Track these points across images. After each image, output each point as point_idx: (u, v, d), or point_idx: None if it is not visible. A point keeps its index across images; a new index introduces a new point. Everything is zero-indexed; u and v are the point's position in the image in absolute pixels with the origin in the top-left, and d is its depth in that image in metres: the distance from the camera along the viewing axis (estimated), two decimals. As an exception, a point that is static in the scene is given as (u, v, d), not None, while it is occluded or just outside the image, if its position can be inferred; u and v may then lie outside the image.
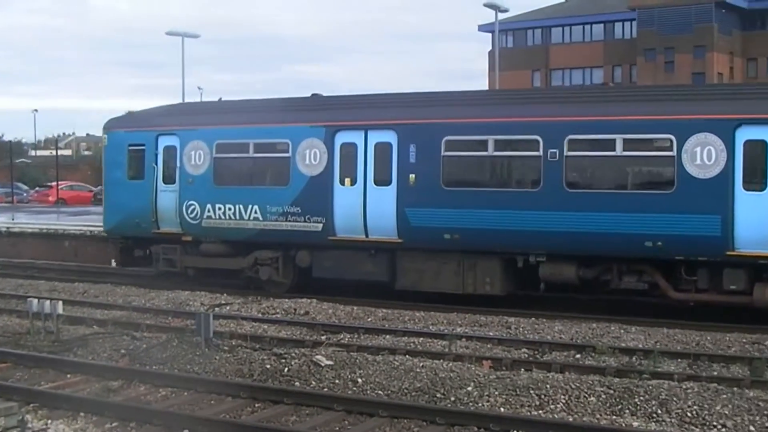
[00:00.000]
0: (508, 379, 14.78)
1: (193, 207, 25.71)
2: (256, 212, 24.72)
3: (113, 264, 30.32)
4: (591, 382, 14.50)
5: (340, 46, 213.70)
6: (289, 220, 24.24)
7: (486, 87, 72.07)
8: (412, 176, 22.84)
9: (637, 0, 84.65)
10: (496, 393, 14.05)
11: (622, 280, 21.48)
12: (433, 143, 22.60)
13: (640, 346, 18.15)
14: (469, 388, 14.30)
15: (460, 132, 22.60)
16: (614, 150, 20.94)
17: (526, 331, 19.84)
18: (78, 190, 69.12)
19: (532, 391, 14.04)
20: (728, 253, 19.94)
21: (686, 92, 23.18)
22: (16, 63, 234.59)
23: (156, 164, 26.49)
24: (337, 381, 15.08)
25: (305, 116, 24.71)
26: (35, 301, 19.24)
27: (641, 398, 13.68)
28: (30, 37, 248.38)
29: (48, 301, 19.27)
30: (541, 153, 21.39)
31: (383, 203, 23.20)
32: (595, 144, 21.34)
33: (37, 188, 71.43)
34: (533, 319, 20.87)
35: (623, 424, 12.92)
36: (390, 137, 23.25)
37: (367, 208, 23.46)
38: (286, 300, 23.53)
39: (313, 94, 27.53)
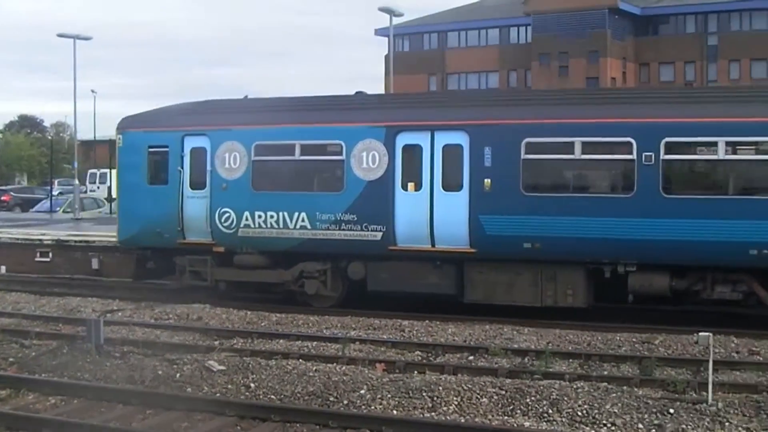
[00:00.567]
0: (401, 381, 14.84)
1: (227, 215, 23.42)
2: (303, 220, 22.65)
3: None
4: (483, 384, 14.66)
5: (241, 49, 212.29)
6: (343, 229, 22.25)
7: (382, 91, 72.41)
8: (487, 181, 21.17)
9: (533, 5, 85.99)
10: (389, 396, 14.13)
11: (715, 290, 20.22)
12: (512, 145, 20.98)
13: (533, 347, 18.30)
14: (362, 392, 14.36)
15: (542, 133, 21.02)
16: (716, 154, 19.71)
17: (419, 334, 19.88)
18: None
19: (424, 393, 14.12)
20: None
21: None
22: None
23: (182, 168, 24.10)
24: (229, 386, 15.04)
25: (363, 115, 22.94)
26: None
27: (533, 398, 13.88)
28: None
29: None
30: (634, 156, 20.05)
31: (453, 210, 21.50)
32: (695, 147, 20.20)
33: None
34: (427, 321, 20.88)
35: (514, 425, 13.08)
36: (461, 139, 21.57)
37: (434, 215, 21.74)
38: (180, 305, 23.30)
39: (357, 92, 26.28)
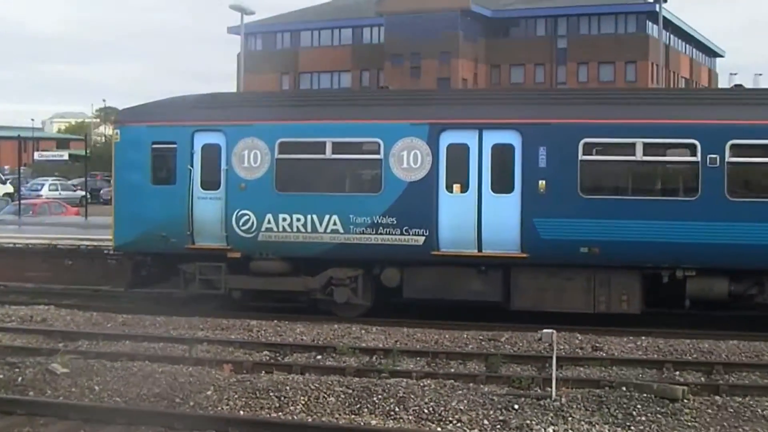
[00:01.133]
0: (248, 382, 14.80)
1: (246, 217, 21.87)
2: (335, 224, 21.35)
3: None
4: (331, 383, 14.74)
5: (97, 47, 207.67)
6: (380, 233, 21.09)
7: (234, 89, 72.01)
8: (542, 182, 20.44)
9: (385, 6, 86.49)
10: (236, 396, 14.11)
11: None
12: (569, 146, 20.38)
13: (381, 345, 18.45)
14: (209, 392, 14.30)
15: (601, 133, 20.48)
16: None
17: (267, 334, 19.81)
18: None
19: (272, 393, 14.17)
20: None
21: None
22: None
23: (192, 166, 22.45)
24: (73, 389, 14.79)
25: (403, 112, 21.79)
26: None
27: (380, 397, 14.02)
28: None
29: None
30: (698, 158, 19.71)
31: (504, 213, 20.69)
32: (761, 149, 19.83)
33: None
34: (275, 321, 20.81)
35: (361, 423, 13.19)
36: (512, 138, 20.80)
37: (482, 218, 20.84)
38: (23, 307, 22.59)
39: (381, 87, 25.14)
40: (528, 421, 13.01)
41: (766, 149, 19.85)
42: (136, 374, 15.32)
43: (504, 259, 20.87)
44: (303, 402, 13.94)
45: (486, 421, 13.14)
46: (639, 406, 13.68)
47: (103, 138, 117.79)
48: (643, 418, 13.25)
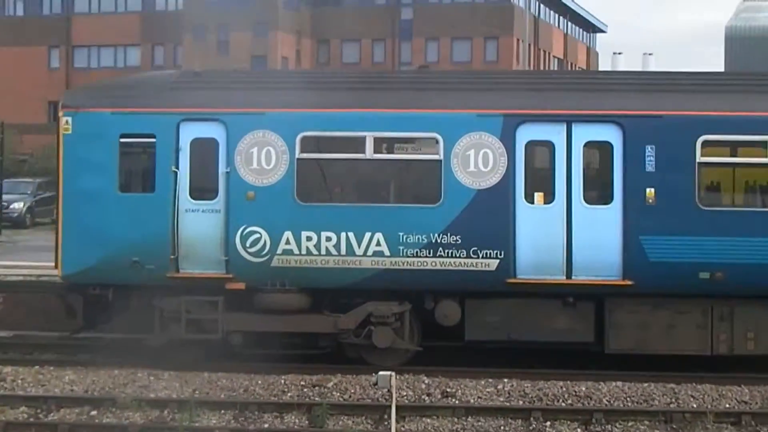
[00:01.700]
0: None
1: (255, 236, 20.29)
2: (378, 244, 20.13)
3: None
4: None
5: None
6: (440, 255, 19.97)
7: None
8: (650, 191, 19.85)
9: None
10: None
11: None
12: (683, 145, 19.85)
13: (174, 395, 18.21)
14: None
15: (725, 129, 20.03)
16: None
17: (26, 384, 19.13)
18: None
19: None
20: None
21: None
22: None
23: (177, 168, 20.60)
24: None
25: (469, 99, 20.66)
26: None
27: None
28: None
29: None
30: None
31: (600, 229, 20.03)
32: None
33: None
34: (37, 367, 20.23)
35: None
36: (610, 134, 20.14)
37: (573, 236, 20.11)
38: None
39: (421, 67, 23.47)
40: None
41: None
42: None
43: (600, 288, 20.10)
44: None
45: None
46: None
47: None
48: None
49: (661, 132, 19.87)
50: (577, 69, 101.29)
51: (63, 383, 19.40)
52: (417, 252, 19.94)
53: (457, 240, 19.90)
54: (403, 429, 15.42)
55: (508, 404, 17.82)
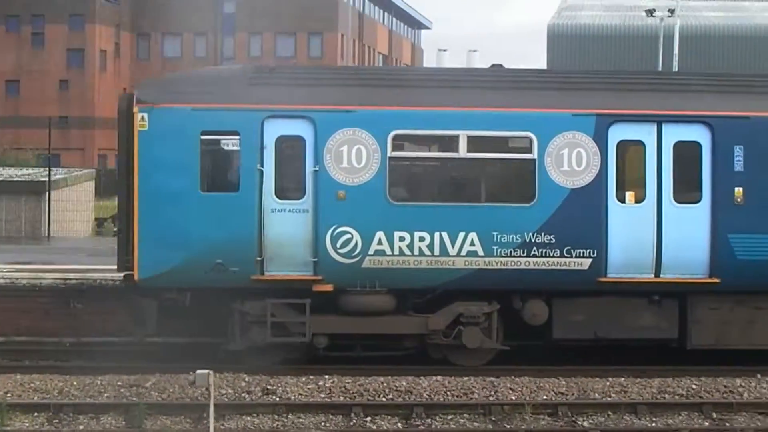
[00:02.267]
0: None
1: (346, 237, 20.00)
2: (472, 244, 20.07)
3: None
4: None
5: None
6: (533, 255, 20.14)
7: None
8: (738, 190, 20.45)
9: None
10: None
11: None
12: None
13: (-14, 399, 17.43)
14: None
15: None
16: None
17: None
18: None
19: None
20: None
21: None
22: None
23: (262, 166, 20.07)
24: None
25: (563, 99, 20.84)
26: None
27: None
28: None
29: None
30: None
31: (689, 228, 20.50)
32: None
33: None
34: None
35: None
36: (699, 134, 20.64)
37: (663, 235, 20.49)
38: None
39: (493, 65, 22.95)
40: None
41: None
42: None
43: (688, 286, 20.63)
44: None
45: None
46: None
47: None
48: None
49: (750, 132, 20.48)
50: (402, 65, 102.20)
51: None
52: (511, 252, 20.07)
53: (551, 239, 20.14)
54: (222, 428, 15.44)
55: (328, 400, 17.91)
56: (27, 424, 16.60)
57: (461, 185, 20.88)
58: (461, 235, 19.98)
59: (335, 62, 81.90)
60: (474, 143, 20.33)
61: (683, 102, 20.81)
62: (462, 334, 20.28)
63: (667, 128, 20.61)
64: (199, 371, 14.30)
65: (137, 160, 19.90)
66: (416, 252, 20.00)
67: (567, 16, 72.55)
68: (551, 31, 69.62)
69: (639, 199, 20.53)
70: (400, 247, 20.00)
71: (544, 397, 18.19)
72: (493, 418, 17.22)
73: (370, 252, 19.93)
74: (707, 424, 17.14)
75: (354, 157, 20.02)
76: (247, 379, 18.83)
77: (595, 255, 20.17)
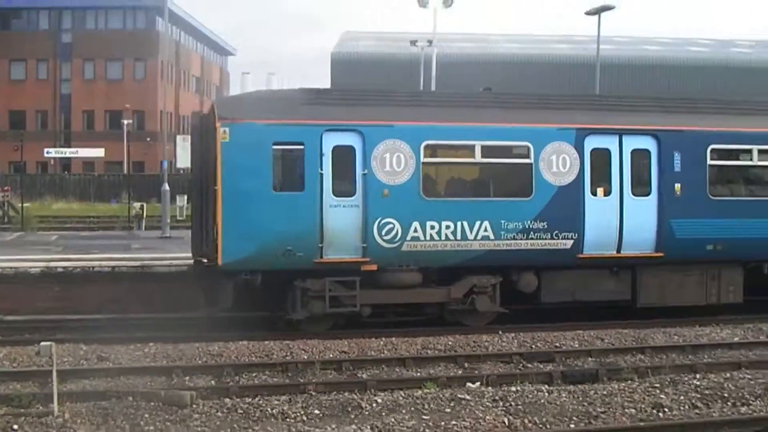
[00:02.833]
0: None
1: (390, 226, 20.69)
2: (485, 230, 21.21)
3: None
4: None
5: None
6: (531, 238, 21.42)
7: None
8: (677, 186, 22.37)
9: None
10: None
11: None
12: (699, 151, 22.50)
13: None
14: None
15: (725, 140, 22.86)
16: None
17: None
18: None
19: None
20: None
21: None
22: None
23: (322, 170, 20.40)
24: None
25: (552, 116, 22.12)
26: None
27: None
28: None
29: None
30: None
31: (642, 215, 22.26)
32: None
33: None
34: None
35: None
36: (649, 144, 22.39)
37: (624, 221, 22.14)
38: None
39: (485, 89, 24.35)
40: (32, 439, 12.65)
41: None
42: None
43: (641, 259, 22.41)
44: None
45: None
46: (147, 416, 13.77)
47: None
48: (152, 428, 13.34)
49: (683, 142, 22.43)
50: (213, 85, 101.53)
51: None
52: (514, 236, 21.32)
53: (544, 225, 21.48)
54: (64, 390, 15.06)
55: (153, 364, 17.69)
56: None
57: (478, 184, 22.11)
58: (477, 223, 21.17)
59: (155, 84, 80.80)
60: (486, 151, 21.54)
61: (638, 119, 22.58)
62: (475, 300, 21.69)
63: (626, 139, 22.30)
64: (43, 344, 13.98)
65: (220, 167, 20.26)
66: (443, 237, 21.04)
67: (347, 46, 72.98)
68: (334, 57, 70.09)
69: (607, 193, 22.17)
70: (431, 234, 20.98)
71: (331, 356, 18.24)
72: (290, 374, 17.18)
73: (408, 238, 20.83)
74: (461, 372, 17.54)
75: (394, 162, 20.92)
76: (84, 348, 18.43)
77: (576, 237, 21.72)
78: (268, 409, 14.05)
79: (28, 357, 17.73)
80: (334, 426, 13.34)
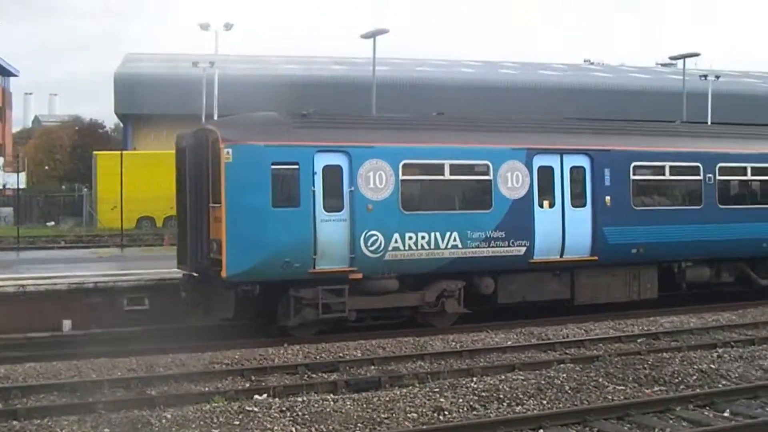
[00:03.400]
0: None
1: (374, 238, 22.11)
2: (454, 239, 22.98)
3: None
4: None
5: None
6: (492, 246, 23.42)
7: None
8: (607, 198, 24.83)
9: None
10: None
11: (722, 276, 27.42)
12: (624, 168, 25.13)
13: None
14: None
15: (646, 158, 25.85)
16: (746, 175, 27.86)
17: None
18: None
19: None
20: None
21: None
22: None
23: (314, 187, 21.67)
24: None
25: (507, 138, 24.34)
26: None
27: None
28: None
29: None
30: (701, 177, 26.40)
31: (580, 224, 24.55)
32: (739, 170, 27.55)
33: None
34: None
35: None
36: (584, 161, 24.82)
37: (566, 229, 24.37)
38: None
39: (438, 113, 26.07)
40: None
41: (736, 170, 27.49)
42: None
43: (579, 263, 24.86)
44: None
45: None
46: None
47: None
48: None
49: (611, 160, 25.09)
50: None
51: None
52: (477, 244, 23.23)
53: (502, 234, 23.52)
54: None
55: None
56: None
57: (448, 198, 23.60)
58: (447, 233, 22.89)
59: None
60: (454, 168, 23.43)
61: (575, 140, 25.21)
62: (445, 303, 23.52)
63: (566, 157, 24.72)
64: None
65: (224, 185, 21.20)
66: (419, 247, 22.66)
67: (130, 66, 71.63)
68: (117, 78, 68.63)
69: (551, 205, 24.44)
70: (409, 244, 22.55)
71: (119, 374, 17.93)
72: (78, 394, 16.74)
73: (390, 248, 22.32)
74: (248, 384, 17.55)
75: (377, 180, 22.34)
76: None
77: (528, 244, 23.87)
78: (57, 430, 13.71)
79: None
80: (124, 444, 13.18)
